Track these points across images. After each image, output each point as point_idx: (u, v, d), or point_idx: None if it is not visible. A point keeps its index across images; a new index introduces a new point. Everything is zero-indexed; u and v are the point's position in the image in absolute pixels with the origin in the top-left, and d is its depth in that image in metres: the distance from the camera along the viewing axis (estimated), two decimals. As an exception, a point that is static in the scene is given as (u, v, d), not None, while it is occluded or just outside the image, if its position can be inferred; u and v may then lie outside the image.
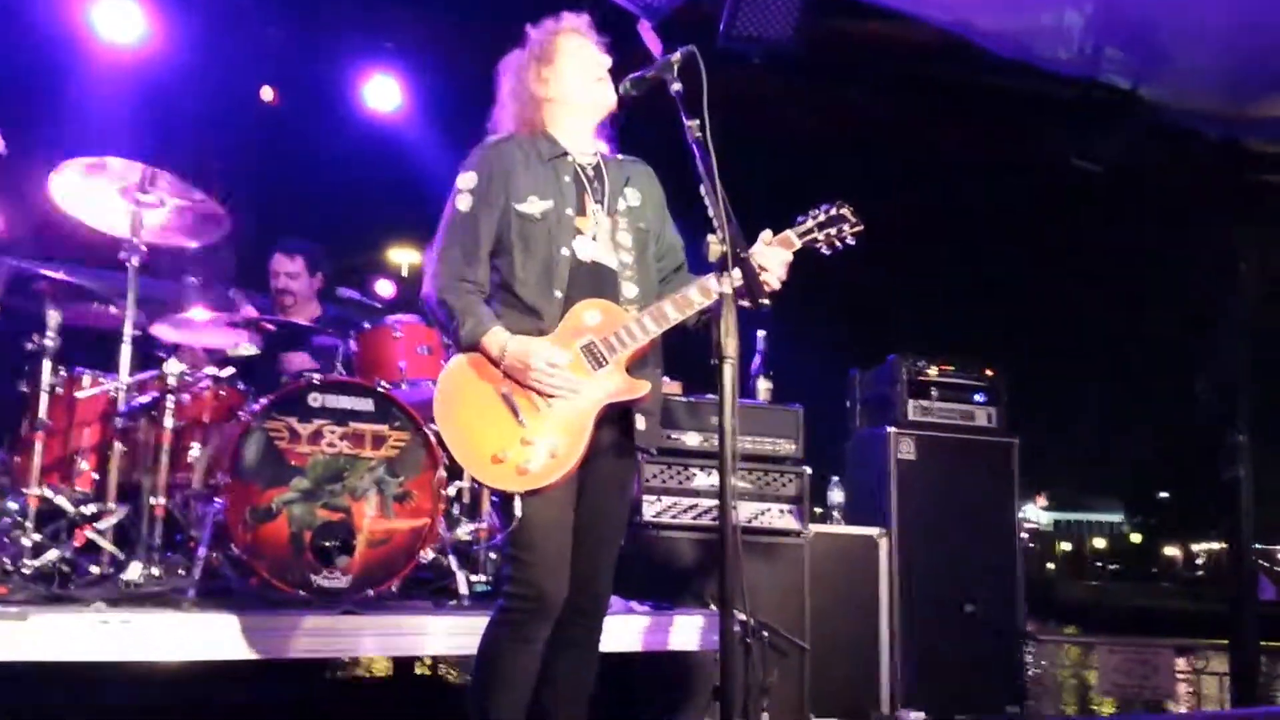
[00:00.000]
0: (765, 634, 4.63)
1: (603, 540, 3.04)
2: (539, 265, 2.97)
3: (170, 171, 4.10)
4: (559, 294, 2.96)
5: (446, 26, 6.45)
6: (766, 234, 3.04)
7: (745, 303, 2.70)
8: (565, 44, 3.11)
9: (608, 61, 3.12)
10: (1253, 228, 6.46)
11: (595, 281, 3.01)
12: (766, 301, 2.72)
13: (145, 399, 4.20)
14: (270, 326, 4.48)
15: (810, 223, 3.06)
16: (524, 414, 2.87)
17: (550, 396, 2.87)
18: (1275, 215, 6.52)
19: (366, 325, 4.79)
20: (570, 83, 3.09)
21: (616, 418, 2.99)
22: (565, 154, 3.10)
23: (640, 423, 3.01)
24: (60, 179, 4.09)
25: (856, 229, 3.07)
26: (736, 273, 2.63)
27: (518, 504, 2.84)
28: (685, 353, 3.20)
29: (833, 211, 3.07)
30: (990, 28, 5.46)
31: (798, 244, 3.04)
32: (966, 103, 6.42)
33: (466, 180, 3.03)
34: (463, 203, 3.01)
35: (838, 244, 3.07)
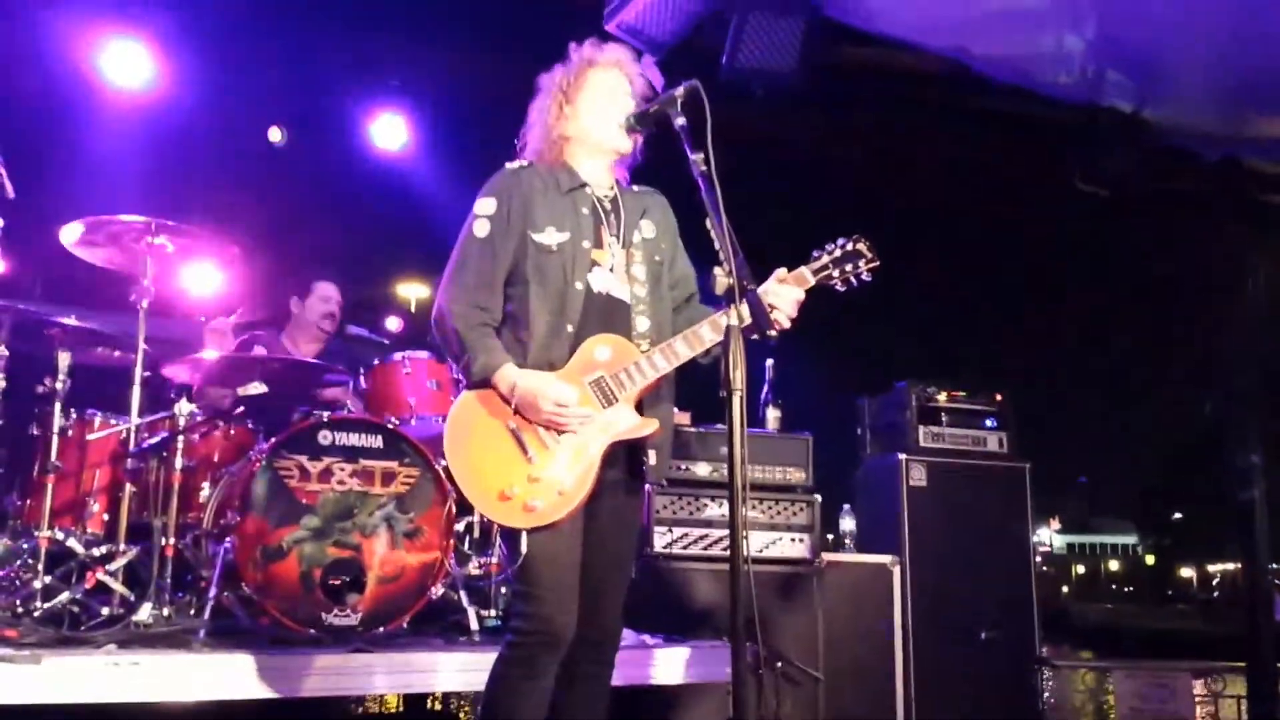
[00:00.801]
0: (778, 664, 4.62)
1: (611, 574, 3.02)
2: (553, 297, 2.96)
3: (176, 222, 4.14)
4: (570, 327, 2.95)
5: (453, 65, 6.50)
6: (781, 271, 3.00)
7: (755, 336, 2.69)
8: (593, 80, 3.10)
9: (630, 104, 3.06)
10: (1260, 246, 6.45)
11: (608, 314, 3.00)
12: (774, 334, 2.71)
13: (155, 440, 4.21)
14: (277, 365, 4.48)
15: (825, 259, 3.02)
16: (532, 450, 2.86)
17: (560, 432, 2.87)
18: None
19: (376, 361, 4.81)
20: (588, 124, 3.08)
21: (624, 453, 2.98)
22: (584, 185, 3.09)
23: (651, 458, 3.00)
24: (70, 232, 4.14)
25: (873, 265, 3.02)
26: (744, 307, 2.62)
27: (524, 539, 2.84)
28: (694, 383, 3.19)
29: (849, 247, 3.02)
30: (990, 54, 5.48)
31: (812, 281, 3.00)
32: (970, 129, 6.44)
33: (485, 206, 3.02)
34: (480, 229, 2.99)
35: (853, 280, 3.02)
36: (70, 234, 4.14)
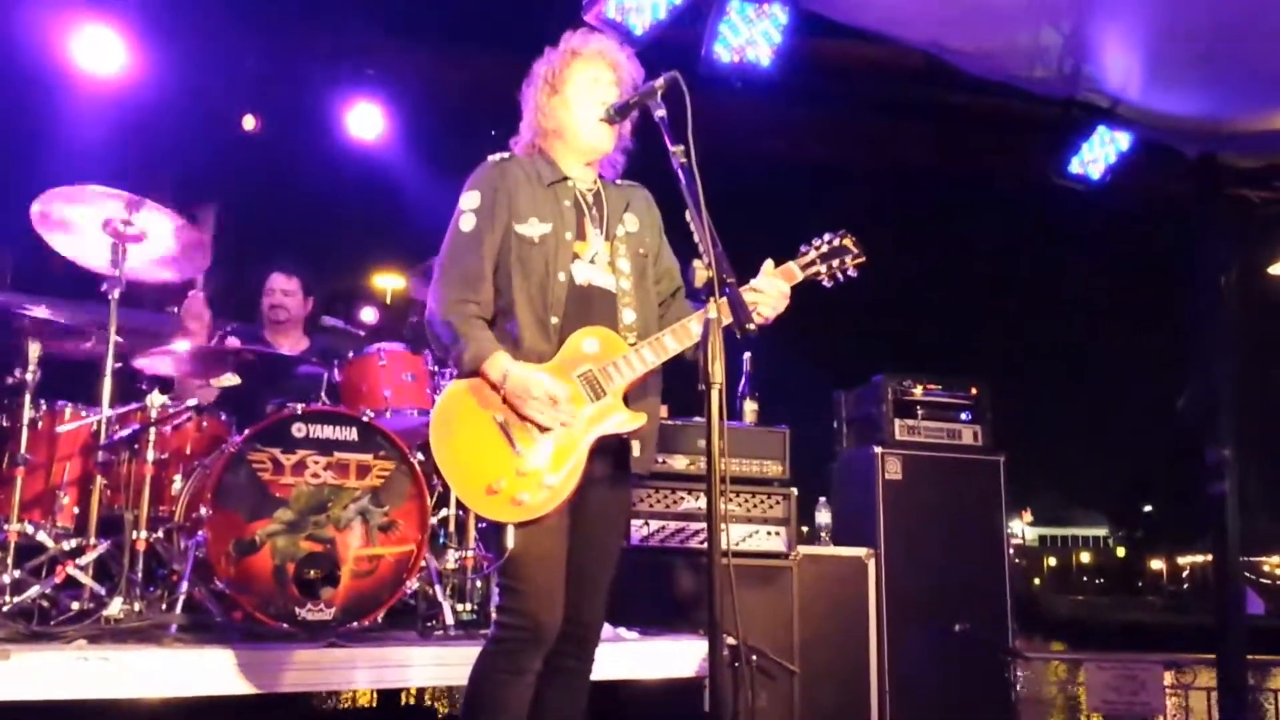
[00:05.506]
0: (754, 657, 4.61)
1: (596, 569, 3.01)
2: (535, 289, 2.95)
3: (153, 199, 4.10)
4: (555, 319, 2.94)
5: (431, 55, 6.45)
6: (769, 264, 3.00)
7: (736, 332, 2.67)
8: (574, 73, 3.06)
9: (614, 95, 3.03)
10: (1233, 242, 6.50)
11: (592, 305, 2.98)
12: (753, 328, 2.69)
13: (127, 432, 4.16)
14: (251, 357, 4.44)
15: (813, 253, 3.03)
16: (519, 444, 2.84)
17: (546, 429, 2.85)
18: (1255, 228, 6.57)
19: (351, 354, 4.77)
20: (571, 119, 3.04)
21: (611, 447, 2.97)
22: (565, 179, 3.08)
23: (635, 449, 3.00)
24: (41, 211, 4.08)
25: (859, 260, 3.04)
26: (724, 300, 2.61)
27: (510, 534, 2.81)
28: (670, 376, 3.18)
29: (835, 242, 3.04)
30: (967, 48, 5.48)
31: (800, 276, 3.01)
32: (948, 123, 6.45)
33: (469, 200, 3.01)
34: (466, 223, 2.98)
35: (839, 276, 3.04)
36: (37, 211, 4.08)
